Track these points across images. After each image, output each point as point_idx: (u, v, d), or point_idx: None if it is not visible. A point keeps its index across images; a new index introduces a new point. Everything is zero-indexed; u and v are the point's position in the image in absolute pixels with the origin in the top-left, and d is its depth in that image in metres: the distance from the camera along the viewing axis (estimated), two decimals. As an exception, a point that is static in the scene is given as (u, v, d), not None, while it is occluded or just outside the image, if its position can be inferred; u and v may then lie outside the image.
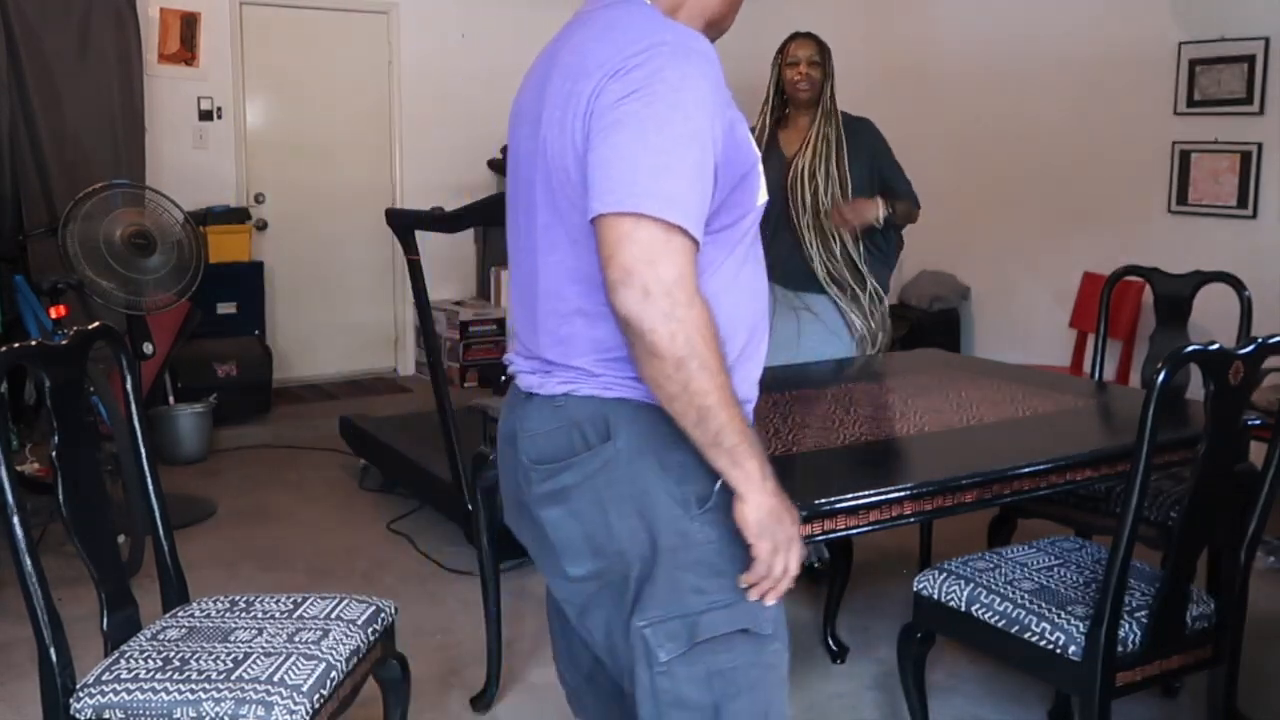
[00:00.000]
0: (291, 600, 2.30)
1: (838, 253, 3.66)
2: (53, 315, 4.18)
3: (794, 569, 1.54)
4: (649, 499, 1.53)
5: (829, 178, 3.66)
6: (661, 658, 1.54)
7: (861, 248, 3.69)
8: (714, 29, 1.71)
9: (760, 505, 1.50)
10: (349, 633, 2.18)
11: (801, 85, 3.73)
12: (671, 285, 1.40)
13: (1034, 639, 2.30)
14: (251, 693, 1.95)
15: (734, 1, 1.75)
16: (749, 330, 1.63)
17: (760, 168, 1.61)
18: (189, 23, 6.11)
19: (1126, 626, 2.27)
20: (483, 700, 3.00)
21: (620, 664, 1.63)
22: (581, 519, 1.57)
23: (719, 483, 1.51)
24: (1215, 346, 2.19)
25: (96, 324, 2.26)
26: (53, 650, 1.99)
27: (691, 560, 1.54)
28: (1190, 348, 2.21)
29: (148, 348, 4.47)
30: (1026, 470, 2.46)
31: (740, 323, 1.59)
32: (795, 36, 3.86)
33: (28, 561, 1.97)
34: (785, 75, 3.79)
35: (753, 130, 3.73)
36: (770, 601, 1.56)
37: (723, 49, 1.62)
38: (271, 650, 2.08)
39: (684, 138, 1.44)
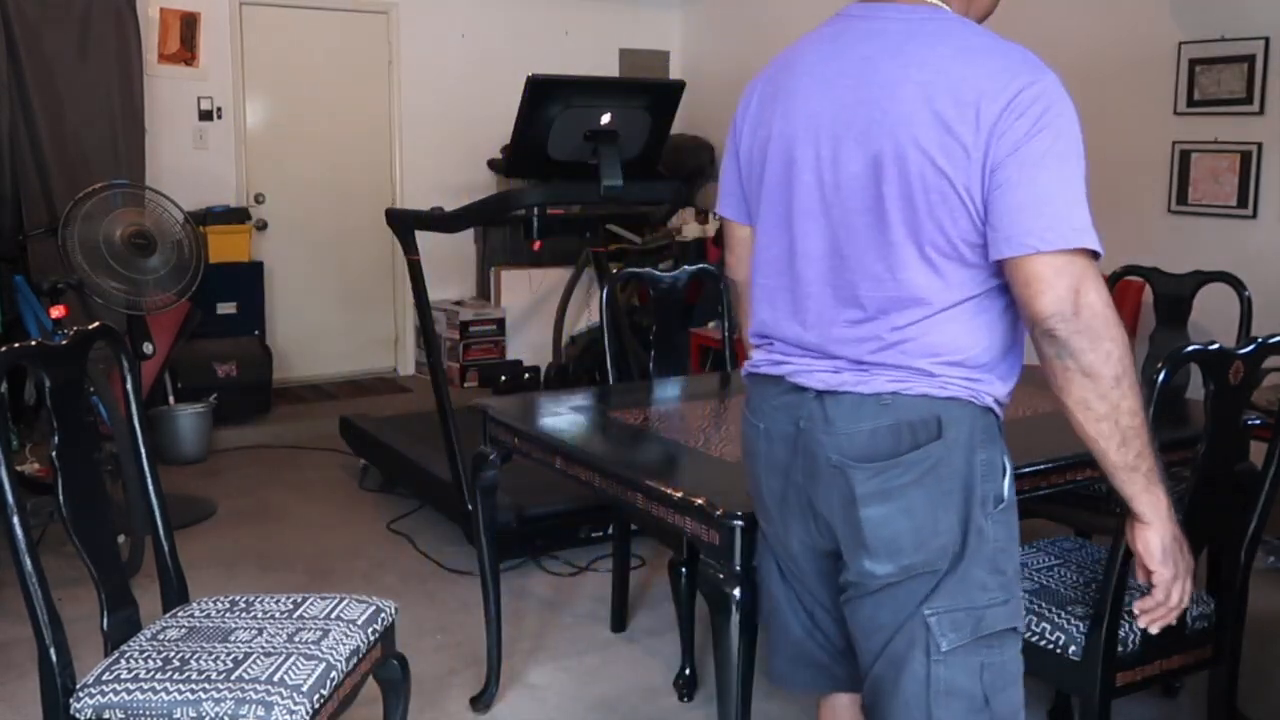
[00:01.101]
0: (291, 600, 2.30)
1: None
2: (53, 315, 4.18)
3: (1186, 600, 1.65)
4: (965, 496, 1.62)
5: None
6: (943, 647, 1.62)
7: None
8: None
9: (1166, 533, 1.61)
10: (349, 633, 2.18)
11: None
12: (1102, 310, 1.51)
13: (1034, 639, 2.30)
14: (251, 693, 1.95)
15: None
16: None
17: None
18: (189, 23, 6.11)
19: (1126, 626, 2.27)
20: (483, 700, 3.00)
21: (874, 652, 1.69)
22: (913, 515, 1.61)
23: (1009, 481, 1.65)
24: (1215, 346, 2.19)
25: (96, 324, 2.26)
26: (53, 650, 1.99)
27: (983, 557, 1.63)
28: (1190, 348, 2.21)
29: (148, 348, 4.47)
30: (1026, 470, 2.46)
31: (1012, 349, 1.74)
32: None
33: (28, 561, 1.97)
34: None
35: None
36: (1157, 629, 1.70)
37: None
38: (271, 650, 2.08)
39: (1081, 168, 1.55)
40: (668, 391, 3.31)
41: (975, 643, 1.63)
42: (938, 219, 1.56)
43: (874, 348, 1.62)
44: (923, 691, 1.63)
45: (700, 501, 2.12)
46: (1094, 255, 1.52)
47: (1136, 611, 1.67)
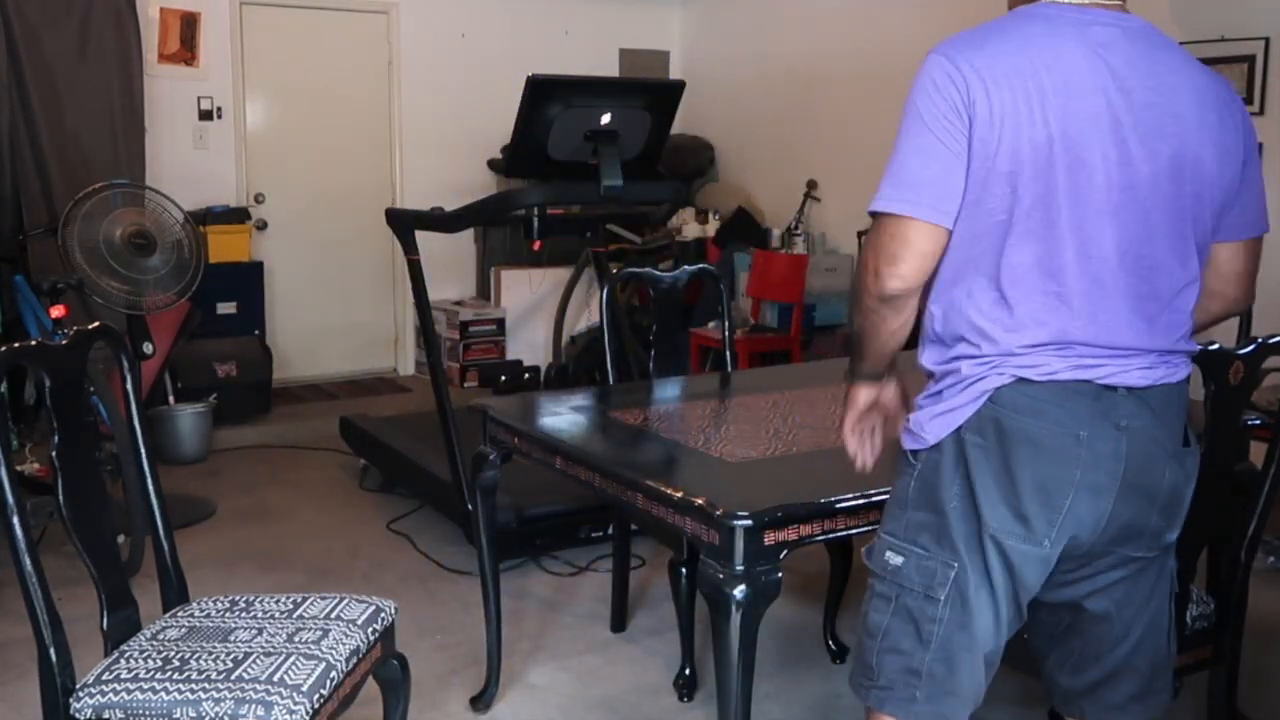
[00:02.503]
0: (291, 600, 2.30)
1: None
2: (53, 315, 4.18)
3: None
4: None
5: None
6: (1175, 587, 1.89)
7: None
8: None
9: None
10: (349, 633, 2.18)
11: None
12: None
13: (1034, 639, 2.30)
14: (251, 693, 1.95)
15: None
16: None
17: None
18: (189, 23, 6.11)
19: (1126, 626, 2.27)
20: (483, 700, 3.00)
21: (1148, 616, 1.84)
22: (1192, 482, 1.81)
23: None
24: (1215, 346, 2.19)
25: (96, 324, 2.26)
26: (53, 650, 1.99)
27: None
28: (1190, 348, 2.20)
29: (148, 348, 4.47)
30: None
31: None
32: None
33: (28, 561, 1.97)
34: None
35: None
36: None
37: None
38: (271, 650, 2.08)
39: None
40: (668, 391, 3.31)
41: None
42: (1209, 215, 1.74)
43: (1176, 337, 1.75)
44: (1166, 630, 1.87)
45: (700, 501, 2.12)
46: None
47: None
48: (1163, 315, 1.72)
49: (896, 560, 1.77)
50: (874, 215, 1.70)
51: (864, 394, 1.89)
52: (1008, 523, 1.69)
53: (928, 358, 1.78)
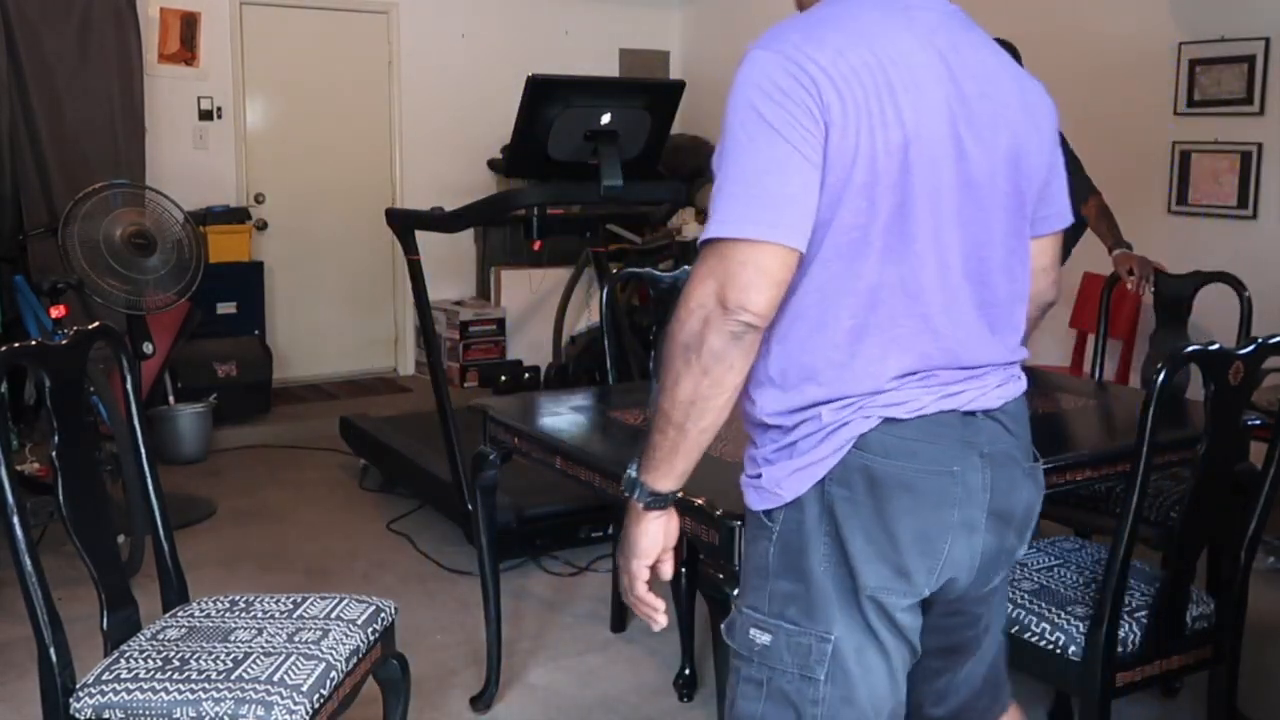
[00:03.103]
0: (291, 600, 2.30)
1: None
2: (53, 315, 4.18)
3: None
4: None
5: None
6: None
7: None
8: None
9: None
10: (349, 633, 2.18)
11: None
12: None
13: (1034, 639, 2.30)
14: (251, 693, 1.95)
15: None
16: None
17: None
18: (189, 23, 6.11)
19: (1126, 626, 2.27)
20: (483, 700, 3.00)
21: (997, 624, 1.76)
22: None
23: None
24: (1215, 346, 2.19)
25: (96, 324, 2.26)
26: (53, 650, 1.99)
27: None
28: (1190, 348, 2.21)
29: (148, 348, 4.47)
30: (1026, 470, 2.46)
31: None
32: None
33: (28, 561, 1.97)
34: None
35: None
36: None
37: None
38: (271, 650, 2.08)
39: None
40: (668, 391, 3.30)
41: None
42: (1029, 208, 1.62)
43: (1014, 345, 1.61)
44: (1000, 627, 1.78)
45: (700, 501, 2.12)
46: None
47: None
48: (1003, 323, 1.57)
49: (764, 639, 1.53)
50: (713, 241, 1.41)
51: (658, 528, 1.54)
52: (887, 580, 1.50)
53: (764, 405, 1.52)
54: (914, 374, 1.49)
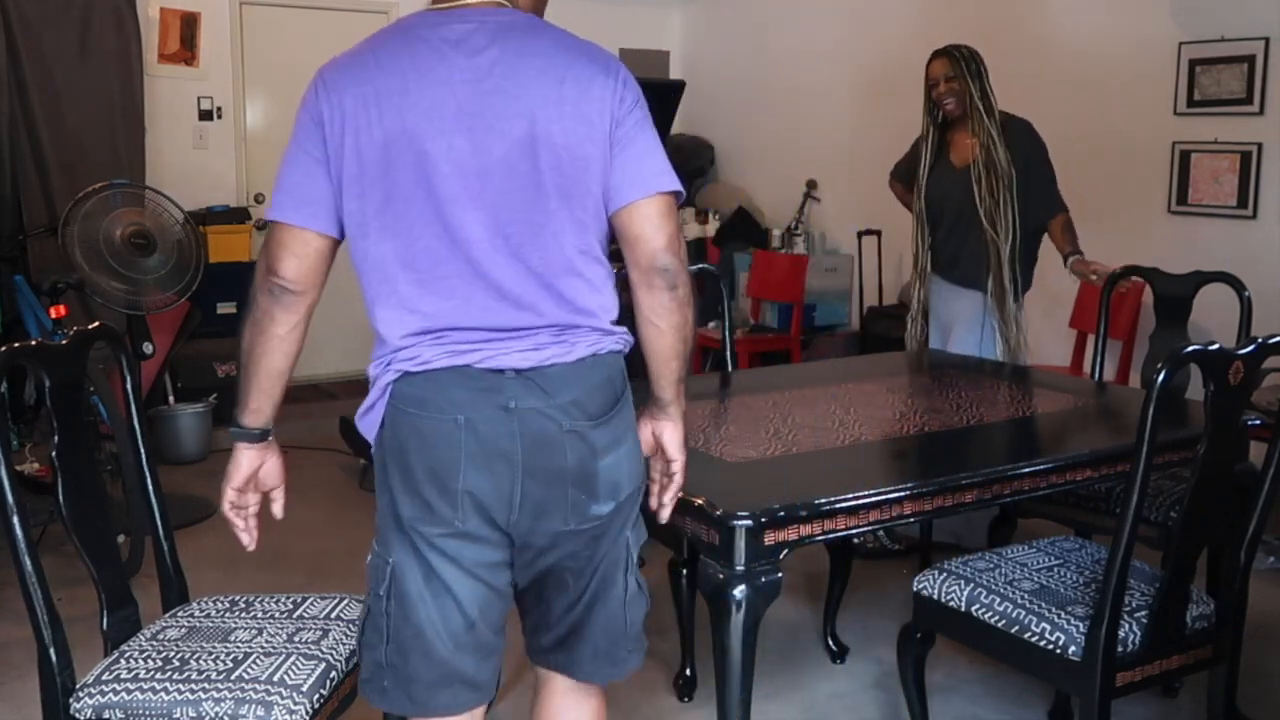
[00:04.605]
0: (291, 600, 2.30)
1: (1005, 258, 3.89)
2: (53, 315, 4.18)
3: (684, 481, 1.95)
4: (635, 428, 1.88)
5: (995, 181, 3.86)
6: (634, 557, 1.90)
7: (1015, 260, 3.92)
8: None
9: (683, 431, 1.92)
10: (349, 633, 2.18)
11: (946, 102, 3.96)
12: (682, 248, 1.80)
13: (1034, 639, 2.30)
14: (251, 693, 1.95)
15: None
16: None
17: None
18: (189, 23, 6.11)
19: (1126, 626, 2.27)
20: (483, 700, 3.00)
21: (582, 588, 1.88)
22: (631, 456, 1.84)
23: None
24: (1215, 346, 2.19)
25: (96, 324, 2.26)
26: (53, 650, 1.99)
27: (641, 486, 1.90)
28: (1190, 348, 2.21)
29: (148, 348, 4.47)
30: (1026, 470, 2.47)
31: None
32: (932, 58, 4.02)
33: (28, 561, 1.97)
34: (932, 96, 4.01)
35: (918, 146, 4.09)
36: (668, 514, 1.96)
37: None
38: (271, 650, 2.08)
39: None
40: (668, 391, 3.31)
41: (640, 553, 1.92)
42: (585, 184, 1.75)
43: (565, 313, 1.76)
44: (620, 601, 1.88)
45: (700, 501, 2.12)
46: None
47: (664, 500, 1.94)
48: (547, 294, 1.75)
49: (368, 560, 1.85)
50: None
51: (244, 459, 1.96)
52: (418, 511, 1.75)
53: None
54: (425, 334, 1.75)
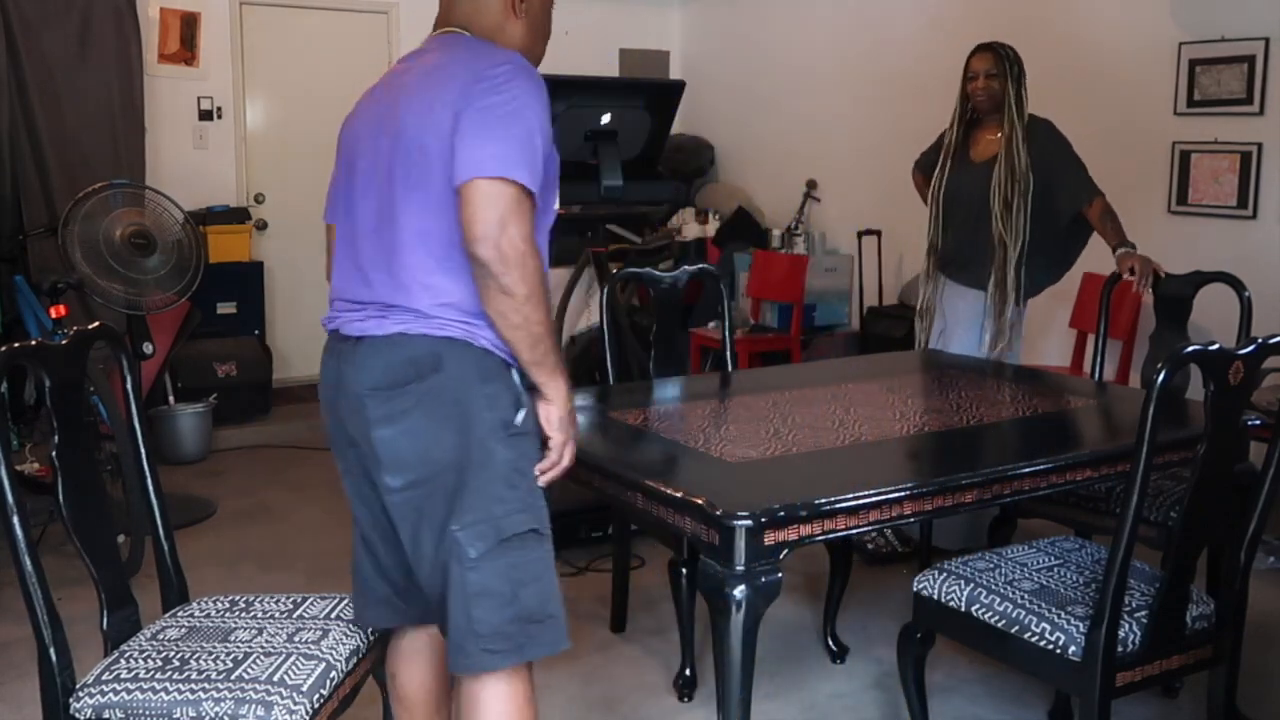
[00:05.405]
0: (291, 600, 2.30)
1: (1010, 259, 3.88)
2: (53, 315, 4.18)
3: (571, 462, 2.04)
4: (467, 421, 1.92)
5: (1013, 183, 3.84)
6: (471, 555, 1.91)
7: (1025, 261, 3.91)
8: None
9: (564, 406, 1.99)
10: (349, 633, 2.18)
11: (980, 97, 3.94)
12: (526, 238, 1.85)
13: (1034, 639, 2.30)
14: (251, 692, 1.95)
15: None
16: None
17: (556, 183, 2.05)
18: (189, 23, 6.11)
19: (1126, 626, 2.27)
20: (483, 700, 3.00)
21: (433, 569, 1.97)
22: (413, 436, 1.93)
23: (522, 412, 1.96)
24: (1215, 346, 2.19)
25: (96, 324, 2.26)
26: (53, 650, 1.99)
27: (495, 474, 1.93)
28: (1190, 348, 2.21)
29: (148, 348, 4.47)
30: (1026, 470, 2.47)
31: None
32: (976, 51, 3.99)
33: (28, 561, 1.97)
34: (967, 89, 3.98)
35: (943, 138, 4.05)
36: (544, 482, 2.01)
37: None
38: (271, 650, 2.08)
39: (530, 129, 1.90)
40: (668, 391, 3.31)
41: (499, 547, 1.92)
42: (425, 173, 1.90)
43: (390, 291, 1.95)
44: (462, 596, 1.92)
45: (700, 501, 2.12)
46: (528, 195, 1.86)
47: (537, 472, 1.99)
48: (381, 274, 1.97)
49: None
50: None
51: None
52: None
53: None
54: (334, 301, 2.08)
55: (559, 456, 2.02)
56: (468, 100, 1.88)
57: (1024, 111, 3.88)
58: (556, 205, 2.09)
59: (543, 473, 2.00)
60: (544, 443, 2.01)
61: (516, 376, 1.98)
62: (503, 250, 1.82)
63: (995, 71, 3.88)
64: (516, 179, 1.84)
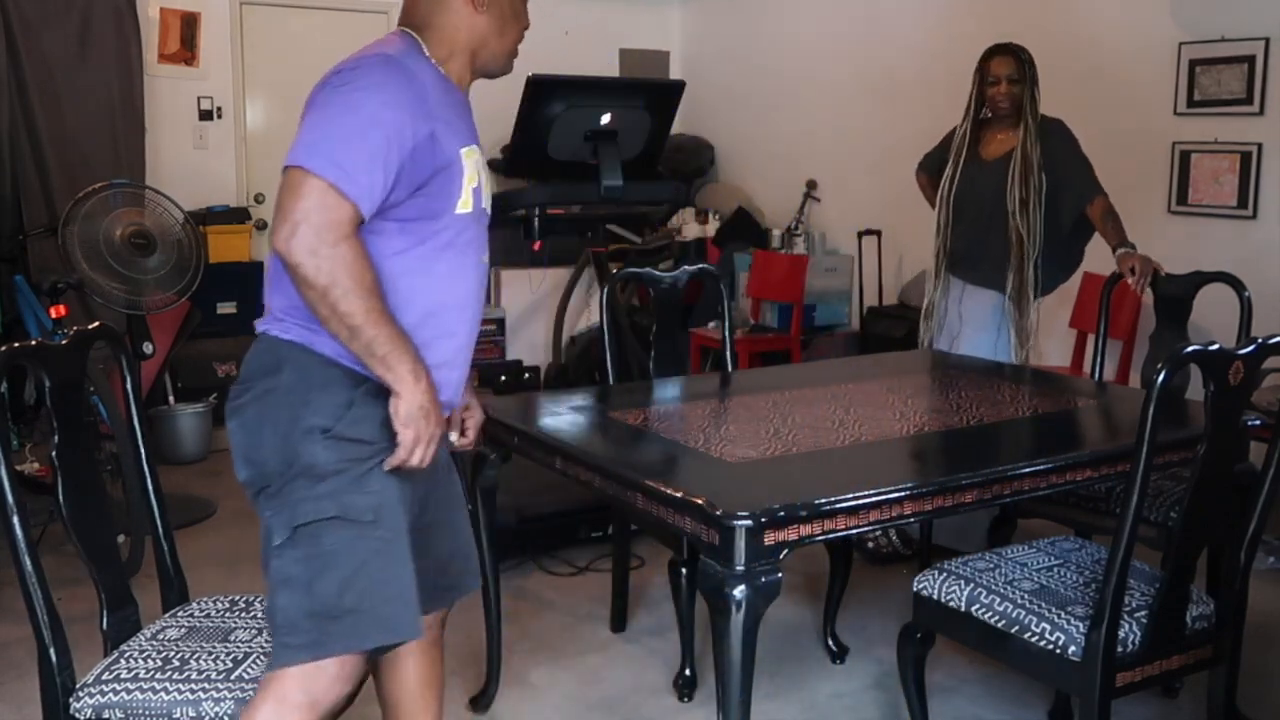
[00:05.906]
0: (291, 600, 2.29)
1: (1028, 257, 3.88)
2: (53, 315, 4.18)
3: (428, 459, 1.94)
4: (292, 427, 1.91)
5: (1029, 186, 3.84)
6: (275, 541, 1.92)
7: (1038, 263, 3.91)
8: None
9: (411, 401, 1.89)
10: (349, 633, 2.17)
11: (1002, 102, 3.92)
12: (320, 228, 1.80)
13: (1034, 639, 2.30)
14: (251, 692, 1.95)
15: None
16: (425, 311, 2.00)
17: (462, 180, 2.02)
18: (189, 23, 6.11)
19: (1126, 626, 2.27)
20: (483, 700, 3.00)
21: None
22: (246, 431, 1.96)
23: (347, 418, 1.91)
24: (1215, 346, 2.19)
25: (96, 324, 2.26)
26: (53, 650, 1.99)
27: (299, 471, 1.91)
28: (1190, 348, 2.21)
29: (148, 348, 4.47)
30: (1026, 470, 2.46)
31: (415, 302, 1.98)
32: (995, 53, 3.96)
33: (28, 561, 1.97)
34: (986, 92, 3.95)
35: (952, 136, 4.00)
36: (388, 466, 1.93)
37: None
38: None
39: (365, 122, 1.87)
40: (668, 391, 3.31)
41: (295, 535, 1.90)
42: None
43: (266, 292, 2.00)
44: (269, 581, 1.93)
45: (700, 501, 2.12)
46: (333, 188, 1.82)
47: (387, 467, 1.93)
48: (273, 279, 1.98)
49: None
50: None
51: None
52: None
53: None
54: None
55: (406, 454, 1.92)
56: (314, 94, 1.92)
57: (1038, 112, 3.88)
58: (461, 203, 2.02)
59: (391, 467, 1.93)
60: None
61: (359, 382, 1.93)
62: (292, 241, 1.80)
63: (1017, 77, 3.86)
64: (314, 169, 1.82)
